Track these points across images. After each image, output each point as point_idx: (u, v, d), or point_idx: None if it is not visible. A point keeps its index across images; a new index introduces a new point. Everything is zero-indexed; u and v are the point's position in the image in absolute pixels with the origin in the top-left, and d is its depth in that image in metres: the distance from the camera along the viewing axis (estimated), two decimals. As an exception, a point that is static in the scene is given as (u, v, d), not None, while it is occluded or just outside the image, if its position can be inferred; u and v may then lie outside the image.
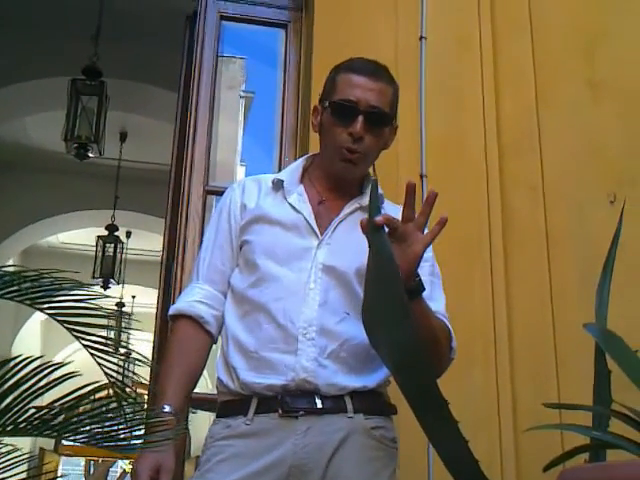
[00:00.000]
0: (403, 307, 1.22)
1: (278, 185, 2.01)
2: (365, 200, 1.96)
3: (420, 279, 1.71)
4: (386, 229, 1.53)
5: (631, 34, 3.34)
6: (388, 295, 1.29)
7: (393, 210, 1.99)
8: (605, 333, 1.13)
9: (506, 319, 2.90)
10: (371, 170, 2.04)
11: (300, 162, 2.09)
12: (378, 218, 1.44)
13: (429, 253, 1.96)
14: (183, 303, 1.97)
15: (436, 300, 1.90)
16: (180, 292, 3.07)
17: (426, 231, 1.69)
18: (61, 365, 1.18)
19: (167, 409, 1.81)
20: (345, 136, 1.89)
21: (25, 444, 9.59)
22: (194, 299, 1.96)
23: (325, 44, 3.14)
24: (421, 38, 3.22)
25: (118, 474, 15.97)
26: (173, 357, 1.92)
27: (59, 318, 1.19)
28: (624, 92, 3.25)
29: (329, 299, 1.86)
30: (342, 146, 1.90)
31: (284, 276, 1.88)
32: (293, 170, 2.06)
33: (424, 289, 1.72)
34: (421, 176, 2.99)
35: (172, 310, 1.99)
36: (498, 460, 2.72)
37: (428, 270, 1.91)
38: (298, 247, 1.91)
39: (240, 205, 2.01)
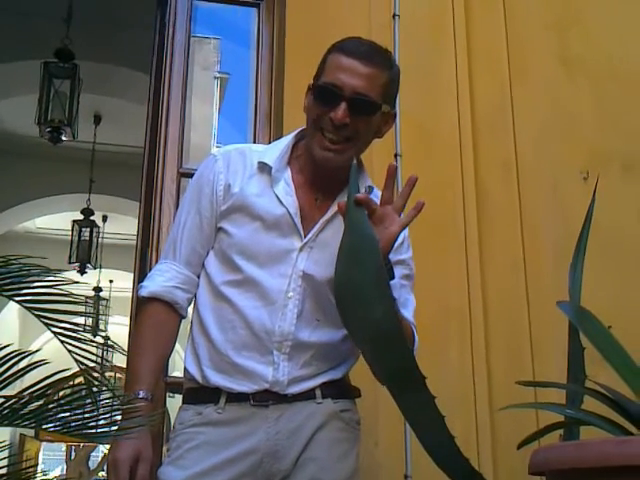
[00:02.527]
0: (382, 282, 1.21)
1: (264, 168, 1.87)
2: None
3: (391, 266, 1.69)
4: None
5: (603, 10, 3.34)
6: (367, 271, 1.28)
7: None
8: (578, 311, 1.13)
9: (481, 297, 2.91)
10: None
11: (289, 140, 1.93)
12: (358, 195, 1.42)
13: (407, 255, 1.94)
14: (158, 287, 1.88)
15: (405, 306, 1.88)
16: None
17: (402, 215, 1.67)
18: (30, 353, 1.16)
19: (142, 395, 1.78)
20: (327, 120, 1.77)
21: (5, 431, 9.55)
22: (171, 284, 1.88)
23: (298, 22, 3.12)
24: (394, 16, 3.20)
25: (99, 458, 15.95)
26: (146, 342, 1.87)
27: (27, 305, 1.17)
28: (597, 68, 3.26)
29: (305, 309, 1.83)
30: (323, 130, 1.78)
31: (264, 281, 1.82)
32: (282, 152, 1.89)
33: (393, 277, 1.71)
34: (396, 155, 2.98)
35: (146, 292, 1.88)
36: (474, 437, 2.73)
37: (402, 273, 1.88)
38: (279, 249, 1.83)
39: (224, 185, 1.88)
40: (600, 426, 1.05)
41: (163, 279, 1.90)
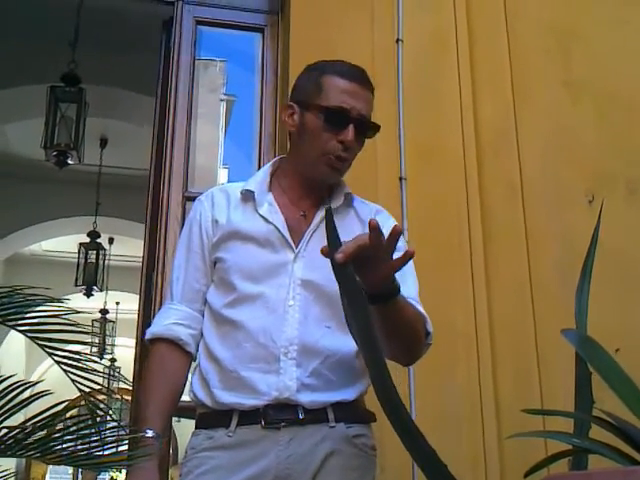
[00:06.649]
0: (371, 342, 1.19)
1: (247, 196, 1.96)
2: (335, 203, 1.94)
3: (396, 282, 1.65)
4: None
5: (606, 33, 3.35)
6: (358, 328, 1.27)
7: (364, 210, 2.00)
8: (583, 339, 1.12)
9: (487, 319, 2.90)
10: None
11: (267, 168, 2.04)
12: (338, 256, 1.38)
13: (400, 243, 1.95)
14: (159, 327, 1.93)
15: (408, 286, 1.83)
16: (161, 300, 3.06)
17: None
18: (34, 384, 1.15)
19: (150, 433, 1.77)
20: (334, 143, 1.85)
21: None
22: (170, 321, 1.92)
23: (302, 48, 3.13)
24: (398, 40, 3.21)
25: (106, 480, 15.87)
26: (153, 381, 1.89)
27: (31, 335, 1.17)
28: (600, 91, 3.27)
29: (310, 315, 1.84)
30: (331, 153, 1.86)
31: (262, 294, 1.84)
32: (262, 178, 1.99)
33: (399, 291, 1.67)
34: (400, 179, 2.99)
35: (148, 334, 1.94)
36: (482, 464, 2.71)
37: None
38: (274, 263, 1.87)
39: (212, 220, 1.95)
40: (608, 455, 1.04)
41: (162, 320, 1.95)
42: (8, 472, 1.38)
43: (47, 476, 15.11)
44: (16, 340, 10.79)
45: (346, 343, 1.82)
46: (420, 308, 1.88)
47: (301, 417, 1.78)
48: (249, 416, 1.79)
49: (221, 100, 8.01)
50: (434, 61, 3.27)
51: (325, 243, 1.85)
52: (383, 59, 3.16)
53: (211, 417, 1.85)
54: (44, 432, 1.15)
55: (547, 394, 2.80)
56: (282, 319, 1.82)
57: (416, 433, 1.06)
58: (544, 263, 3.01)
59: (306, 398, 1.78)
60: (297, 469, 1.75)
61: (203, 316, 1.94)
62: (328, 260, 1.78)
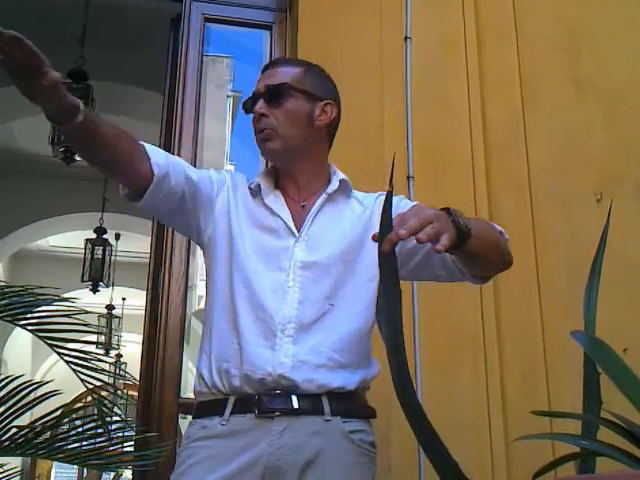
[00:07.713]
0: (398, 340, 1.19)
1: (256, 189, 2.00)
2: (331, 187, 1.98)
3: (460, 226, 1.64)
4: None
5: (614, 33, 3.35)
6: (386, 319, 1.27)
7: (367, 197, 2.04)
8: (592, 341, 1.11)
9: (495, 320, 2.89)
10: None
11: (272, 167, 2.09)
12: (385, 246, 1.24)
13: (410, 203, 1.99)
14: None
15: None
16: (168, 296, 3.06)
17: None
18: (41, 384, 1.15)
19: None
20: (255, 122, 1.96)
21: (18, 449, 9.50)
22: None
23: (309, 45, 3.13)
24: (406, 39, 3.20)
25: (111, 477, 15.90)
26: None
27: (40, 335, 1.17)
28: (608, 90, 3.26)
29: (310, 295, 1.84)
30: (255, 132, 1.97)
31: (263, 274, 1.87)
32: (267, 175, 2.05)
33: (469, 233, 1.66)
34: (408, 177, 2.98)
35: None
36: (489, 466, 2.70)
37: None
38: (277, 247, 1.90)
39: (231, 180, 2.01)
40: (615, 457, 1.03)
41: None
42: (14, 470, 1.38)
43: (52, 472, 15.12)
44: (22, 334, 10.81)
45: (349, 323, 1.84)
46: (478, 219, 1.96)
47: (296, 407, 1.76)
48: (243, 403, 1.78)
49: (228, 96, 8.03)
50: (442, 59, 3.26)
51: (326, 226, 1.92)
52: (391, 57, 3.16)
53: (207, 405, 1.85)
54: (52, 431, 1.15)
55: (554, 396, 2.79)
56: (281, 299, 1.84)
57: (430, 431, 1.05)
58: (552, 263, 3.00)
59: (300, 376, 1.77)
60: (288, 461, 1.73)
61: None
62: (331, 240, 1.88)
